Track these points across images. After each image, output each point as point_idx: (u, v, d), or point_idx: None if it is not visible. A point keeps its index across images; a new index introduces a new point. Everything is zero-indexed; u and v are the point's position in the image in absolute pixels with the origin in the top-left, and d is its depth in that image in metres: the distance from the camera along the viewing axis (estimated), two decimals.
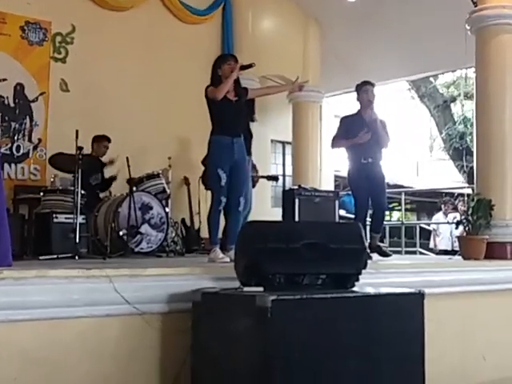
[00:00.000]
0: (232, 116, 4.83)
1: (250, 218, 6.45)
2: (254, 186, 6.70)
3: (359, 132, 5.87)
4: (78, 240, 5.18)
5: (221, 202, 4.78)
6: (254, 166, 6.63)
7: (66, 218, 5.66)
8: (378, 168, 6.03)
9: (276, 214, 7.27)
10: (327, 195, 6.77)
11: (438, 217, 11.50)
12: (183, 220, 7.60)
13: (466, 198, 7.54)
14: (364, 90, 5.99)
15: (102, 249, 5.94)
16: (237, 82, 4.89)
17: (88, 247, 5.80)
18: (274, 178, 7.97)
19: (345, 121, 6.13)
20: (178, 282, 3.40)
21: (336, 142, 6.10)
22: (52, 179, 6.41)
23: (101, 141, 7.04)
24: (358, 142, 5.86)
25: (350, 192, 7.16)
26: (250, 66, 4.99)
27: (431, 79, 16.92)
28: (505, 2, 6.22)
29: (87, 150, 6.53)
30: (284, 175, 11.48)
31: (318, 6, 9.55)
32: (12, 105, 7.39)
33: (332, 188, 11.11)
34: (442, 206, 11.19)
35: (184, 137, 8.24)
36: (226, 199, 4.81)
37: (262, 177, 7.25)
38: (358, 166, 5.94)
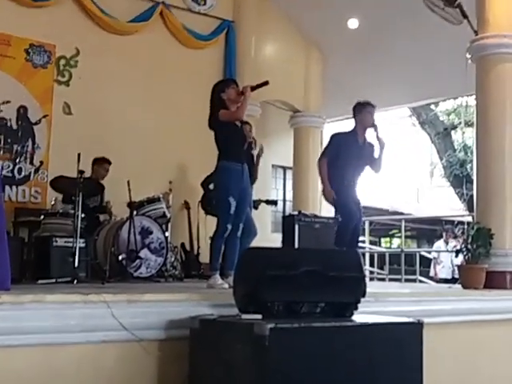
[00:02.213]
0: (240, 141, 4.82)
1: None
2: (256, 208, 6.71)
3: (351, 153, 5.76)
4: (77, 264, 5.16)
5: (227, 229, 4.70)
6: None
7: (65, 242, 5.63)
8: (356, 194, 5.95)
9: (276, 240, 7.25)
10: (327, 221, 6.76)
11: (439, 245, 11.47)
12: (183, 244, 7.58)
13: (466, 226, 7.53)
14: (368, 110, 5.87)
15: (100, 273, 5.91)
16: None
17: (87, 271, 5.76)
18: (273, 202, 7.97)
19: (337, 138, 5.97)
20: (176, 309, 3.39)
21: (323, 162, 5.92)
22: (53, 202, 6.41)
23: (101, 163, 7.04)
24: (327, 190, 5.80)
25: None
26: (265, 83, 4.89)
27: (432, 106, 17.03)
28: (505, 32, 6.27)
29: (89, 173, 6.54)
30: (284, 200, 11.50)
31: (319, 33, 9.64)
32: (15, 127, 7.41)
33: (332, 214, 11.08)
34: (444, 233, 11.17)
35: (185, 161, 8.26)
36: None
37: (261, 201, 7.26)
38: (344, 188, 5.83)
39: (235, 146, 4.77)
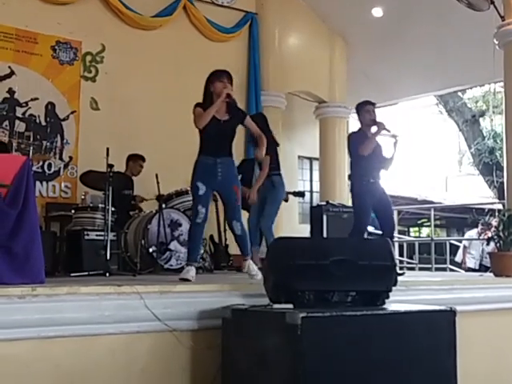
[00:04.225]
0: (216, 136, 4.58)
1: (278, 234, 6.47)
2: (286, 201, 6.70)
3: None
4: (108, 257, 5.23)
5: (198, 213, 4.44)
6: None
7: (96, 235, 5.72)
8: (382, 189, 5.78)
9: (304, 231, 7.27)
10: None
11: (472, 234, 11.26)
12: (211, 236, 7.61)
13: (497, 214, 7.44)
14: (366, 109, 5.73)
15: (132, 265, 5.98)
16: (231, 102, 4.62)
17: (118, 264, 5.85)
18: (301, 194, 7.95)
19: (355, 136, 5.80)
20: (208, 299, 3.42)
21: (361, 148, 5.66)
22: (83, 197, 6.49)
23: (136, 160, 7.13)
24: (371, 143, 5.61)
25: None
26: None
27: (459, 94, 16.79)
28: None
29: (117, 167, 6.60)
30: (311, 191, 11.47)
31: (344, 22, 9.58)
32: (43, 123, 7.52)
33: None
34: (479, 224, 10.94)
35: None
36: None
37: (289, 193, 7.25)
38: (365, 185, 5.66)
39: (209, 140, 4.59)
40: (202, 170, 4.59)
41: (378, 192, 5.64)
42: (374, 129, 5.67)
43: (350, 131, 5.83)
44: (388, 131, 5.65)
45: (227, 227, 7.56)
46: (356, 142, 5.66)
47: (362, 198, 5.60)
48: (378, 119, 5.71)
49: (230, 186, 4.63)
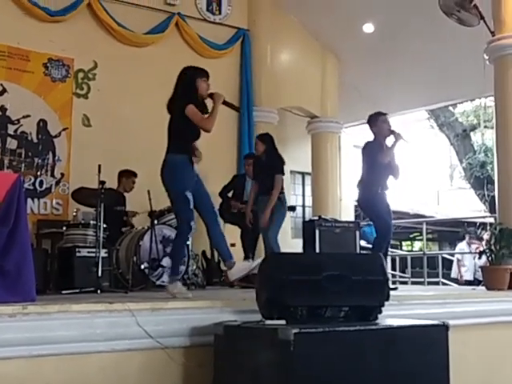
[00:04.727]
0: (198, 135, 4.45)
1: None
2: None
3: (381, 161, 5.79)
4: (100, 274, 5.20)
5: (191, 229, 4.28)
6: None
7: (88, 252, 5.70)
8: (387, 200, 5.92)
9: (296, 245, 7.26)
10: (348, 226, 6.75)
11: (462, 247, 11.35)
12: (203, 252, 7.60)
13: (488, 228, 7.47)
14: (381, 120, 5.86)
15: (123, 282, 5.95)
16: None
17: (110, 281, 5.82)
18: (291, 208, 7.96)
19: (371, 145, 5.88)
20: (200, 316, 3.41)
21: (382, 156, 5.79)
22: (74, 213, 6.47)
23: (129, 176, 7.12)
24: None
25: (370, 222, 7.10)
26: (236, 109, 4.88)
27: (450, 108, 16.90)
28: None
29: (109, 184, 6.59)
30: (304, 206, 11.48)
31: (335, 38, 9.64)
32: (35, 140, 7.51)
33: (352, 218, 11.07)
34: (467, 236, 11.05)
35: (204, 170, 8.22)
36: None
37: None
38: (378, 195, 5.83)
39: (190, 140, 4.44)
40: (183, 172, 4.34)
41: (386, 202, 5.83)
42: (390, 138, 5.81)
43: (366, 141, 5.93)
44: (405, 140, 5.80)
45: None
46: (375, 150, 5.75)
47: (377, 205, 5.75)
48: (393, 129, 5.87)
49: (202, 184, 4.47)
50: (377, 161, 5.70)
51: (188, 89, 4.43)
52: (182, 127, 4.37)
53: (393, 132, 5.82)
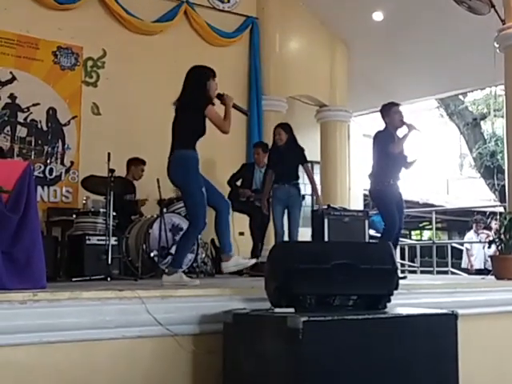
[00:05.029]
0: (205, 133, 4.48)
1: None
2: None
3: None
4: (110, 261, 5.23)
5: (205, 225, 4.30)
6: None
7: (98, 240, 5.73)
8: (400, 192, 5.93)
9: (305, 234, 7.25)
10: (357, 215, 6.77)
11: (471, 236, 11.32)
12: (213, 240, 7.61)
13: (498, 217, 7.45)
14: (394, 111, 5.84)
15: (133, 270, 5.98)
16: None
17: (120, 268, 5.85)
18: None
19: (383, 134, 5.88)
20: (209, 303, 3.42)
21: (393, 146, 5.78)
22: (84, 201, 6.50)
23: (138, 164, 7.14)
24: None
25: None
26: (244, 113, 4.90)
27: (460, 97, 16.79)
28: None
29: (118, 172, 6.61)
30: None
31: (344, 26, 9.59)
32: (45, 129, 7.54)
33: (361, 207, 11.06)
34: (474, 224, 11.04)
35: (213, 158, 8.29)
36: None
37: None
38: (390, 186, 5.81)
39: (199, 136, 4.47)
40: (198, 172, 4.40)
41: (398, 193, 5.83)
42: (403, 129, 5.79)
43: (377, 130, 5.92)
44: (418, 130, 5.78)
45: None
46: (386, 139, 5.73)
47: (387, 197, 5.73)
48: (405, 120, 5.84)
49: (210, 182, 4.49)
50: (388, 151, 5.68)
51: (202, 89, 4.48)
52: (196, 125, 4.43)
53: (405, 123, 5.80)
